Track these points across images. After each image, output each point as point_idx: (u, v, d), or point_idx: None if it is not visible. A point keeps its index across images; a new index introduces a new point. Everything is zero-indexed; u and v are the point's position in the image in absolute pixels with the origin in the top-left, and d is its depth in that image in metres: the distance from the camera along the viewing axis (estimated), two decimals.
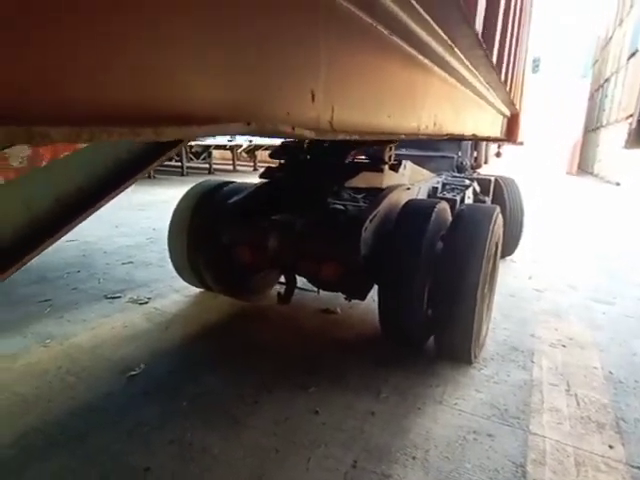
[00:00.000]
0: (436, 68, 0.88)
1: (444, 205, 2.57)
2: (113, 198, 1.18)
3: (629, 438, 1.89)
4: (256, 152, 15.29)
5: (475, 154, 5.46)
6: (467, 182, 4.04)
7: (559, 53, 22.10)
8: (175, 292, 3.41)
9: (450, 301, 2.24)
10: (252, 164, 16.05)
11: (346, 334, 2.78)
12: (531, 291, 3.81)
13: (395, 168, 2.80)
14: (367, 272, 2.32)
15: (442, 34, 0.82)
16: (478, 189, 4.27)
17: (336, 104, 0.56)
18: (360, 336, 2.76)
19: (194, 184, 3.31)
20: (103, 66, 0.37)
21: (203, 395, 2.06)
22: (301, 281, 2.58)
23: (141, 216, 6.52)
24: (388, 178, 2.68)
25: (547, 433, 1.91)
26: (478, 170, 5.24)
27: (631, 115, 3.09)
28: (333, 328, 2.86)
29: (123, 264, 4.10)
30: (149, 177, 11.48)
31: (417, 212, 2.42)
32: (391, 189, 2.61)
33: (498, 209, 2.63)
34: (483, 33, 0.96)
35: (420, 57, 0.80)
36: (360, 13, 0.61)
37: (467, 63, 1.07)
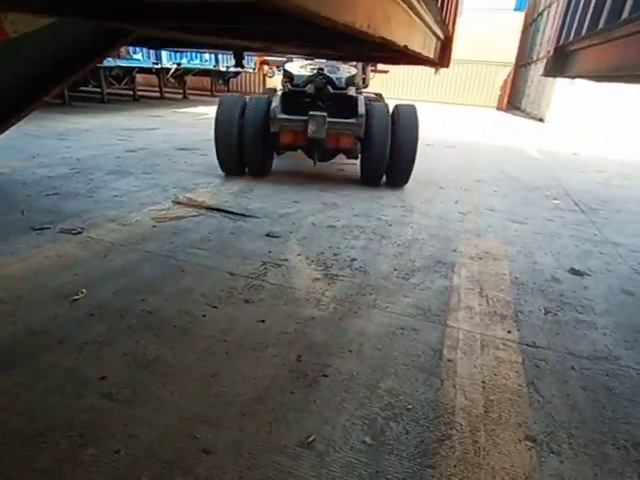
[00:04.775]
0: None
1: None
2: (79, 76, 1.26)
3: (523, 325, 2.28)
4: (185, 77, 14.07)
5: (363, 76, 6.34)
6: (372, 95, 5.95)
7: None
8: (110, 221, 3.30)
9: (404, 153, 4.57)
10: (181, 91, 14.84)
11: (287, 256, 2.93)
12: (456, 214, 4.17)
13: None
14: (361, 142, 4.51)
15: None
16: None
17: None
18: (297, 258, 2.92)
19: (224, 95, 4.86)
20: None
21: (151, 313, 2.13)
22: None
23: (61, 145, 5.96)
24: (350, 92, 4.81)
25: (461, 325, 2.25)
26: (363, 90, 6.23)
27: None
28: (276, 251, 2.99)
29: (47, 195, 3.82)
30: (64, 104, 10.27)
31: (380, 108, 4.60)
32: (356, 96, 4.67)
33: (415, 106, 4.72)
34: None
35: None
36: None
37: None
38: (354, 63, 5.64)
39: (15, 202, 3.60)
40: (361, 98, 4.63)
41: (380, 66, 6.97)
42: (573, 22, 2.23)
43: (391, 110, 4.68)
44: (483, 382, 1.83)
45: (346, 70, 5.12)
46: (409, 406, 1.65)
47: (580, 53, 2.22)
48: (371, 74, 6.87)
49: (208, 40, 1.95)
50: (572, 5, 2.32)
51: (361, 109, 4.37)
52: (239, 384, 1.70)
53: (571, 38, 2.33)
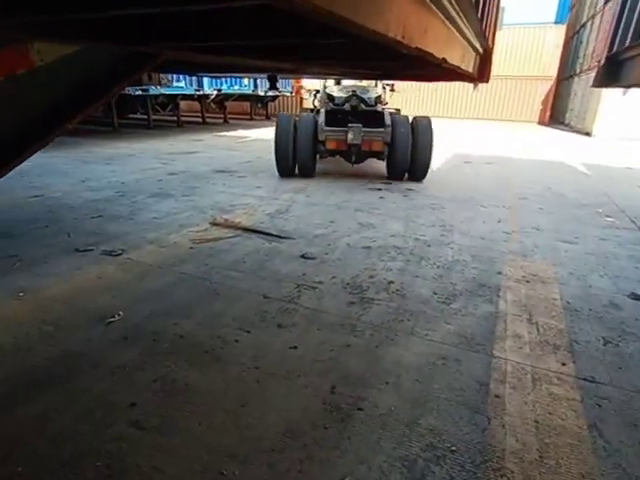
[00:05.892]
0: None
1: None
2: (104, 102, 1.29)
3: (580, 356, 2.07)
4: (225, 103, 14.57)
5: (381, 93, 7.35)
6: (393, 110, 7.39)
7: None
8: (149, 244, 3.37)
9: (422, 154, 5.82)
10: (222, 116, 15.39)
11: (321, 278, 2.85)
12: (499, 233, 3.96)
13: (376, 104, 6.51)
14: (388, 146, 5.78)
15: None
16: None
17: None
18: (332, 281, 2.84)
19: (280, 115, 6.07)
20: None
21: (183, 337, 2.11)
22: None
23: (107, 170, 6.27)
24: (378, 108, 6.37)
25: (509, 356, 2.06)
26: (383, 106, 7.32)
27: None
28: (311, 273, 2.92)
29: (92, 218, 3.98)
30: (114, 130, 10.90)
31: (402, 119, 5.91)
32: (382, 111, 6.12)
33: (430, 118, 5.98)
34: None
35: None
36: None
37: None
38: (373, 83, 7.15)
39: (63, 225, 3.77)
40: (387, 112, 6.08)
41: (396, 88, 8.72)
42: (629, 27, 2.06)
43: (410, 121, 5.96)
44: (536, 422, 1.64)
45: (374, 91, 6.60)
46: (453, 447, 1.50)
47: (638, 59, 2.04)
48: (389, 93, 8.58)
49: (235, 61, 1.96)
50: (627, 10, 2.15)
51: (387, 120, 5.79)
52: (269, 416, 1.61)
53: (627, 44, 2.15)
